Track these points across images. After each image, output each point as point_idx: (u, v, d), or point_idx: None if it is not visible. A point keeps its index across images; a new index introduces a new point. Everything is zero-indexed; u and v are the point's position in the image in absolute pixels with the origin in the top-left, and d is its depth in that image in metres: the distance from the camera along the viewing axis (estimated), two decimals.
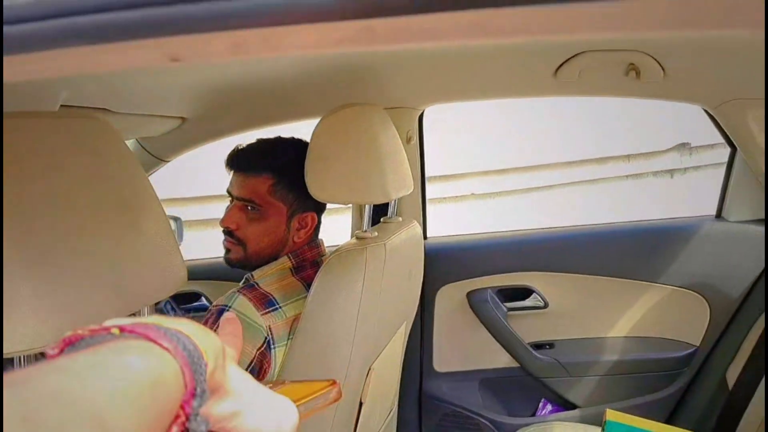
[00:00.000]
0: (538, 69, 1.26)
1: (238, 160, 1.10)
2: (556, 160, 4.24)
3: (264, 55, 0.28)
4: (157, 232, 0.54)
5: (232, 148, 1.13)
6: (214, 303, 1.03)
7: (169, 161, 1.62)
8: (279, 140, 1.14)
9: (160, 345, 0.29)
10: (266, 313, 1.01)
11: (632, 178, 4.49)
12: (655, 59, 1.14)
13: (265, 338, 0.99)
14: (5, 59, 0.28)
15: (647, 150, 4.47)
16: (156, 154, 1.55)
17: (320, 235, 1.19)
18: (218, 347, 0.34)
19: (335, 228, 1.31)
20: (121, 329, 0.30)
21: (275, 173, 1.07)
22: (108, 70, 0.28)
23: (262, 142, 1.13)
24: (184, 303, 1.96)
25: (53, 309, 0.43)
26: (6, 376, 0.24)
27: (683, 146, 4.50)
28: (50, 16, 0.26)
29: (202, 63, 0.31)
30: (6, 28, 0.26)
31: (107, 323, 0.31)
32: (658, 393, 1.66)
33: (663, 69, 1.17)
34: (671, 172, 4.59)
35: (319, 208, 1.14)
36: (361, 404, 1.07)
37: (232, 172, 1.12)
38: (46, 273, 0.43)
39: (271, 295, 1.04)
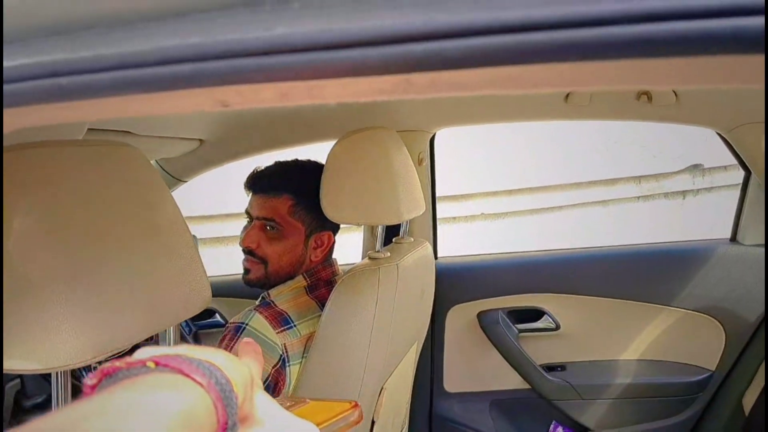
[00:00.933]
0: (548, 95, 1.29)
1: (258, 182, 1.13)
2: (565, 181, 4.24)
3: (307, 102, 0.31)
4: (186, 253, 0.57)
5: (252, 171, 1.16)
6: (231, 320, 1.04)
7: (186, 181, 1.66)
8: (297, 162, 1.17)
9: (194, 380, 0.30)
10: (281, 331, 1.02)
11: (643, 199, 4.48)
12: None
13: (281, 356, 1.01)
14: (63, 105, 0.31)
15: (658, 171, 4.46)
16: (174, 175, 1.59)
17: (334, 254, 1.21)
18: (247, 378, 0.34)
19: (350, 244, 1.32)
20: (156, 363, 0.31)
21: (294, 194, 1.10)
22: (163, 113, 0.30)
23: (281, 165, 1.16)
24: (198, 319, 1.98)
25: (91, 327, 0.45)
26: (51, 419, 0.25)
27: (696, 167, 4.48)
28: (114, 68, 0.28)
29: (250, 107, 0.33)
30: (73, 78, 0.29)
31: (141, 355, 0.32)
32: (672, 418, 1.64)
33: (675, 93, 1.18)
34: (683, 193, 4.56)
35: (335, 227, 1.16)
36: (373, 423, 1.08)
37: (251, 193, 1.14)
38: (85, 294, 0.45)
39: (287, 314, 1.05)
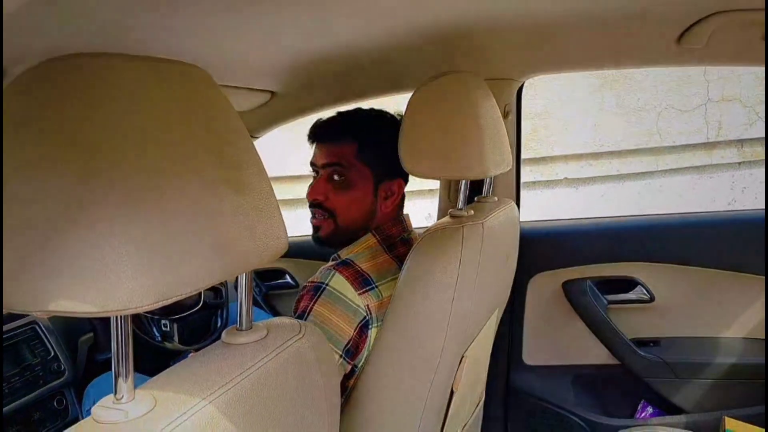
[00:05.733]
0: (658, 35, 1.12)
1: (321, 130, 1.09)
2: (657, 144, 3.91)
3: None
4: (260, 192, 0.50)
5: (314, 122, 1.12)
6: (310, 279, 0.99)
7: (259, 137, 1.62)
8: (359, 110, 1.13)
9: None
10: (364, 292, 0.97)
11: (746, 165, 4.07)
12: None
13: (364, 317, 0.95)
14: None
15: (763, 135, 4.03)
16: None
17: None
18: None
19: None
20: None
21: (359, 138, 1.05)
22: None
23: (342, 114, 1.12)
24: (268, 280, 1.99)
25: (153, 267, 0.39)
26: None
27: None
28: None
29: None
30: None
31: None
32: None
33: None
34: None
35: (405, 176, 1.08)
36: (452, 393, 1.01)
37: (314, 143, 1.10)
38: (145, 228, 0.39)
39: (367, 274, 0.99)
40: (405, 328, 0.92)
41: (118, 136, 0.40)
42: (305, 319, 0.93)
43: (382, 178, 1.06)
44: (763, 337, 1.50)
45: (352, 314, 0.94)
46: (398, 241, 1.08)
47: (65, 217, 0.37)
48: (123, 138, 0.40)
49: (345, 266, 0.99)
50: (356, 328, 0.94)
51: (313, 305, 0.94)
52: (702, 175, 4.05)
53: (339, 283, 0.95)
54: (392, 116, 1.12)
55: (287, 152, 2.61)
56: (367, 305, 0.96)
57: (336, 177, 1.04)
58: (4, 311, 0.37)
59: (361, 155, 1.04)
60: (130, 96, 0.41)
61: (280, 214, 0.53)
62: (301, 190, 1.16)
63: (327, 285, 0.95)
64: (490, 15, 0.96)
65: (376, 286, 0.98)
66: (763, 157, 3.98)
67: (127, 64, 0.42)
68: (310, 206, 1.08)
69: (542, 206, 3.72)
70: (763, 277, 1.46)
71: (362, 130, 1.06)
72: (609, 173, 3.94)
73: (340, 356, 0.92)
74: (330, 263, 1.02)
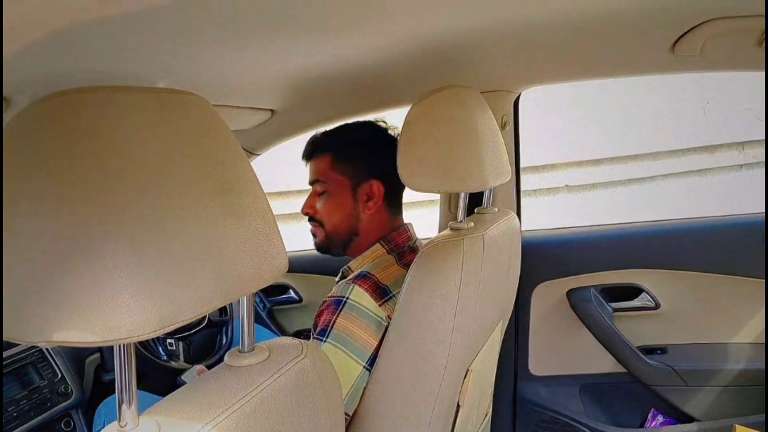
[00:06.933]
0: (652, 43, 1.13)
1: (306, 149, 1.19)
2: (658, 148, 3.90)
3: None
4: (259, 216, 0.51)
5: None
6: (329, 294, 1.01)
7: (259, 154, 1.63)
8: (340, 125, 1.21)
9: None
10: (383, 302, 0.99)
11: (747, 167, 4.06)
12: None
13: (387, 327, 0.96)
14: None
15: (764, 137, 4.02)
16: (247, 148, 1.56)
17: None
18: None
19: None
20: None
21: (333, 151, 1.14)
22: None
23: (320, 132, 1.22)
24: (272, 295, 1.99)
25: (155, 296, 0.40)
26: None
27: None
28: None
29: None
30: None
31: None
32: None
33: None
34: None
35: (384, 176, 1.12)
36: (458, 407, 1.00)
37: (307, 163, 1.20)
38: (147, 258, 0.40)
39: (384, 284, 1.02)
40: (408, 342, 0.91)
41: (120, 169, 0.40)
42: (328, 333, 0.94)
43: (358, 182, 1.12)
44: None
45: (375, 326, 0.96)
46: (406, 251, 1.11)
47: (68, 249, 0.38)
48: (125, 171, 0.40)
49: (363, 278, 1.01)
50: (381, 339, 0.96)
51: (336, 318, 0.95)
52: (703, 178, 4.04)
53: (359, 295, 0.98)
54: (363, 123, 1.20)
55: (289, 166, 2.62)
56: (388, 315, 0.97)
57: (320, 190, 1.14)
58: (9, 342, 0.38)
59: (336, 166, 1.13)
60: (132, 129, 0.42)
61: (279, 234, 0.54)
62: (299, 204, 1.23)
63: (348, 298, 0.97)
64: (484, 28, 0.97)
65: (394, 295, 1.00)
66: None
67: (128, 96, 0.43)
68: (308, 220, 1.19)
69: (543, 214, 3.71)
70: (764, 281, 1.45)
71: (333, 143, 1.15)
72: (611, 179, 3.94)
73: (364, 367, 0.94)
74: (349, 278, 1.04)
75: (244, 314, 0.58)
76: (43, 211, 0.38)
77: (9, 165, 0.40)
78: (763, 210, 1.56)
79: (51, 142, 0.40)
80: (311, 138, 1.20)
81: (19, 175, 0.39)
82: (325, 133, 1.20)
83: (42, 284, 0.37)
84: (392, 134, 1.18)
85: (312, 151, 1.18)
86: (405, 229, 1.15)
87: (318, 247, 1.19)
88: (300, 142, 1.53)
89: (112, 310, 0.38)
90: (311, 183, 1.17)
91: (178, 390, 0.54)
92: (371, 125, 1.20)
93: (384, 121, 1.22)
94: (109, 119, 0.41)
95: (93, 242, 0.38)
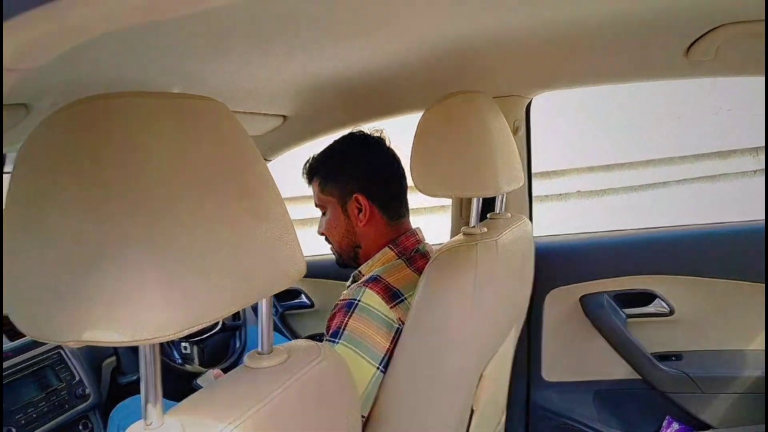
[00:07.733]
0: (666, 48, 1.12)
1: (304, 176, 1.25)
2: (671, 154, 3.87)
3: None
4: (278, 219, 0.52)
5: None
6: (340, 298, 1.03)
7: (271, 160, 1.64)
8: (328, 146, 1.24)
9: None
10: (395, 305, 1.00)
11: (761, 173, 4.02)
12: None
13: (398, 329, 0.97)
14: None
15: None
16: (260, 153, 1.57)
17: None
18: None
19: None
20: None
21: (319, 174, 1.20)
22: None
23: (314, 155, 1.25)
24: (284, 299, 1.99)
25: (178, 297, 0.41)
26: None
27: None
28: None
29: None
30: None
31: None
32: None
33: None
34: None
35: (362, 188, 1.14)
36: (472, 412, 1.00)
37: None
38: (171, 260, 0.41)
39: (396, 287, 1.03)
40: (422, 347, 0.92)
41: (146, 173, 0.41)
42: (340, 335, 0.95)
43: (344, 200, 1.17)
44: None
45: (387, 328, 0.97)
46: (416, 255, 1.12)
47: (97, 252, 0.39)
48: (150, 176, 0.41)
49: (374, 282, 1.02)
50: (392, 341, 0.96)
51: (347, 320, 0.97)
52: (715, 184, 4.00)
53: (371, 298, 0.99)
54: (342, 138, 1.23)
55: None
56: (399, 318, 0.98)
57: (321, 212, 1.22)
58: (38, 341, 0.39)
59: (324, 189, 1.19)
60: (156, 134, 0.43)
61: (297, 237, 0.54)
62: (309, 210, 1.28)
63: (360, 301, 0.98)
64: (497, 34, 0.97)
65: (405, 299, 1.01)
66: None
67: (151, 102, 0.44)
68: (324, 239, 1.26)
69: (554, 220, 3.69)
70: None
71: (318, 167, 1.21)
72: (623, 185, 3.91)
73: (377, 368, 0.94)
74: (361, 281, 1.05)
75: (263, 316, 0.59)
76: (72, 212, 0.39)
77: (38, 168, 0.41)
78: (763, 214, 1.55)
79: (78, 147, 0.41)
80: (305, 164, 1.25)
81: (48, 178, 0.40)
82: (314, 157, 1.25)
83: (74, 284, 0.38)
84: (374, 136, 1.20)
85: (307, 177, 1.25)
86: (412, 233, 1.16)
87: (337, 262, 1.26)
88: (310, 147, 1.54)
89: (140, 310, 0.39)
90: (315, 206, 1.24)
91: (200, 391, 0.55)
92: (347, 138, 1.23)
93: (381, 130, 1.24)
94: (134, 124, 0.42)
95: (121, 244, 0.39)
